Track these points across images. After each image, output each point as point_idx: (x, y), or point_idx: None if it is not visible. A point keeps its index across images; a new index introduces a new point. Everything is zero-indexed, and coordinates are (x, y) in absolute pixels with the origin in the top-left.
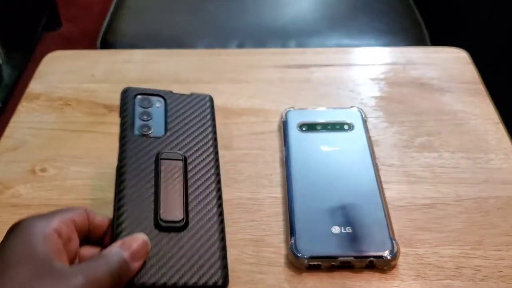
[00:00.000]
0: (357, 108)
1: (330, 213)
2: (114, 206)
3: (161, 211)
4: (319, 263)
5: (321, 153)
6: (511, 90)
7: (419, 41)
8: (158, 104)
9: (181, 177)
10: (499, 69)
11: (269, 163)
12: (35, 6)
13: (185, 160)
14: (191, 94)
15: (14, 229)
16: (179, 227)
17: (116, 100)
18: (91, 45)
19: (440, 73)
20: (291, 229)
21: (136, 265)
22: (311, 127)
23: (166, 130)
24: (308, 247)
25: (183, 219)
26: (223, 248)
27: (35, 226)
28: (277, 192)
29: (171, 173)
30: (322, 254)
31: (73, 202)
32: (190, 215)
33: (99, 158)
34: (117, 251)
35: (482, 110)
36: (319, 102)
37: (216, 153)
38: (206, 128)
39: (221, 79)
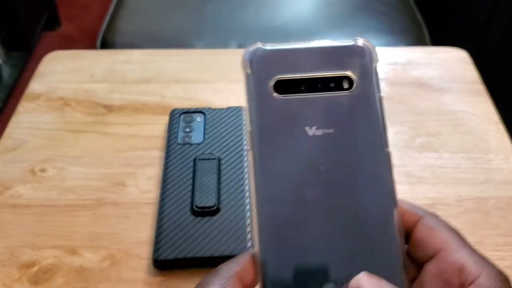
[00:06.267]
0: (362, 42)
1: (320, 259)
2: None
3: (196, 199)
4: None
5: (307, 141)
6: (511, 90)
7: (419, 41)
8: (199, 118)
9: (215, 173)
10: (499, 69)
11: None
12: (35, 6)
13: (219, 160)
14: (228, 108)
15: None
16: (212, 212)
17: (115, 99)
18: (90, 45)
19: (440, 73)
20: None
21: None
22: (291, 86)
23: (204, 138)
24: None
25: (215, 205)
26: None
27: None
28: None
29: (207, 170)
30: None
31: (72, 202)
32: (222, 202)
33: (99, 158)
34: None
35: (482, 110)
36: None
37: None
38: (240, 134)
39: (221, 79)
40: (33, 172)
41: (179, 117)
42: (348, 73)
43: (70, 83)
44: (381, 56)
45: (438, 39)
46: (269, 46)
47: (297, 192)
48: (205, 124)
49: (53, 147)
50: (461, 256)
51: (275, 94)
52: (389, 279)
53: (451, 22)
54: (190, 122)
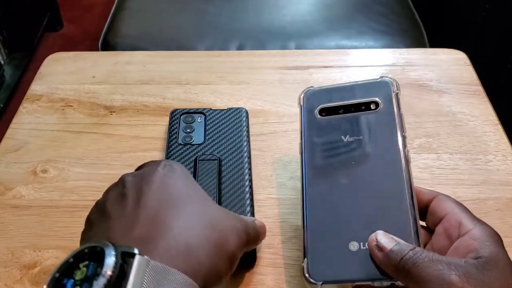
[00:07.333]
0: (388, 79)
1: (347, 224)
2: None
3: None
4: None
5: (342, 145)
6: (510, 91)
7: (418, 43)
8: (199, 119)
9: (216, 174)
10: (497, 70)
11: (268, 164)
12: (37, 7)
13: (219, 160)
14: (228, 109)
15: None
16: None
17: (117, 100)
18: (92, 46)
19: (439, 75)
20: (304, 247)
21: (262, 238)
22: (331, 111)
23: (205, 138)
24: (322, 270)
25: None
26: None
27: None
28: (277, 193)
29: (207, 171)
30: (338, 278)
31: (74, 203)
32: (223, 203)
33: (100, 159)
34: (252, 220)
35: (481, 112)
36: None
37: (249, 154)
38: (240, 135)
39: (221, 80)
40: (34, 173)
41: (180, 117)
42: (375, 98)
43: (71, 84)
44: (380, 57)
45: (437, 41)
46: (317, 87)
47: (333, 179)
48: (205, 124)
49: (54, 148)
50: (461, 216)
51: (320, 117)
52: (401, 238)
53: (449, 24)
54: (191, 122)
